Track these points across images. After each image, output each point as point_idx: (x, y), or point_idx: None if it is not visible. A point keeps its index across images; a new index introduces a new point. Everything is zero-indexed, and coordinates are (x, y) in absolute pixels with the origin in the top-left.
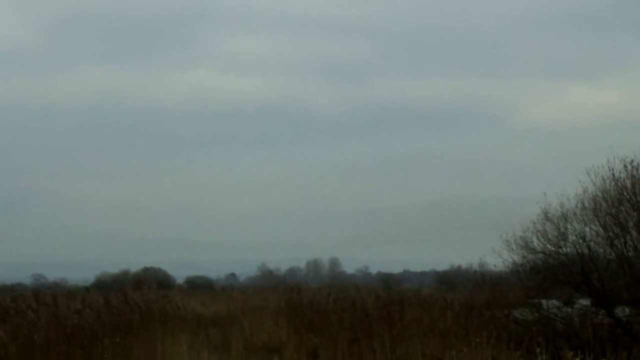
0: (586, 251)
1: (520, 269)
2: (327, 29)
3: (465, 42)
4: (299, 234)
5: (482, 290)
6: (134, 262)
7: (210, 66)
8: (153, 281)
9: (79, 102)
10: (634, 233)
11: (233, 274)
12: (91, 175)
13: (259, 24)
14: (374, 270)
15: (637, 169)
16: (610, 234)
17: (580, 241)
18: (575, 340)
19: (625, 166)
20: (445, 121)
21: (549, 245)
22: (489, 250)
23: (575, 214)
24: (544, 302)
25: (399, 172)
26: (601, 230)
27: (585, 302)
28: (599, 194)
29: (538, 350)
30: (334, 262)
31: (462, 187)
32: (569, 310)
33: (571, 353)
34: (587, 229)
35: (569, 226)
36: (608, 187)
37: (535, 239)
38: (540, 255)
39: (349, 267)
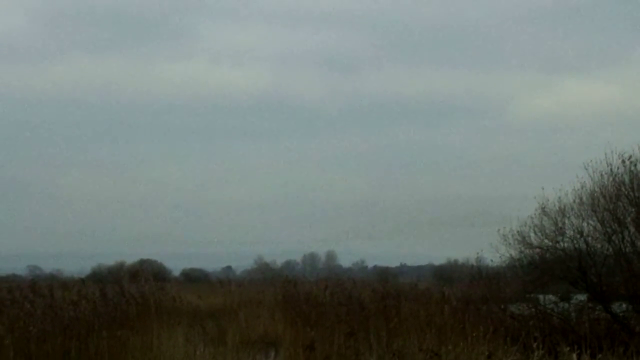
0: (584, 246)
1: (517, 264)
2: (323, 22)
3: (460, 36)
4: (296, 227)
5: (479, 284)
6: (130, 254)
7: (203, 58)
8: (149, 273)
9: (70, 92)
10: (632, 229)
11: (229, 267)
12: (85, 166)
13: (253, 15)
14: (370, 264)
15: (635, 165)
16: (608, 230)
17: (578, 236)
18: (572, 335)
19: (623, 161)
20: (441, 115)
21: (546, 240)
22: (486, 245)
23: (572, 209)
24: (540, 297)
25: (396, 166)
26: (599, 226)
27: (582, 297)
28: (597, 189)
29: (535, 345)
30: (331, 256)
31: (458, 181)
32: (566, 305)
33: (568, 348)
34: (585, 224)
35: (566, 221)
36: (606, 182)
37: (532, 234)
38: (538, 250)
39: (346, 260)
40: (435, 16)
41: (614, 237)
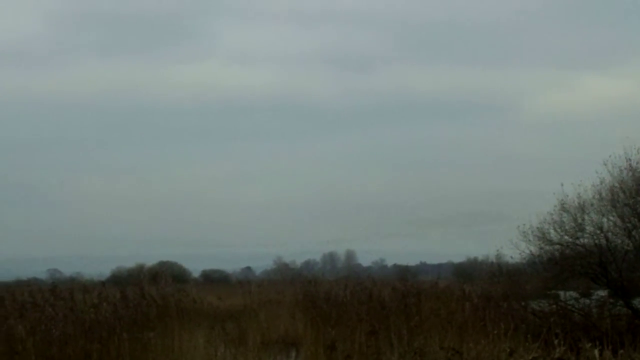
0: (604, 242)
1: (537, 260)
2: (334, 21)
3: (473, 33)
4: (315, 226)
5: (499, 282)
6: (149, 255)
7: (214, 59)
8: (169, 275)
9: (87, 96)
10: None
11: (249, 268)
12: (104, 170)
13: (264, 16)
14: (390, 262)
15: None
16: (628, 225)
17: (598, 232)
18: (593, 331)
19: None
20: (457, 113)
21: (566, 237)
22: (505, 241)
23: (592, 204)
24: (561, 293)
25: (413, 164)
26: (619, 221)
27: (603, 293)
28: (616, 184)
29: (556, 341)
30: (350, 255)
31: (476, 178)
32: (587, 301)
33: (589, 344)
34: (605, 220)
35: (586, 217)
36: (625, 177)
37: (552, 230)
38: (558, 246)
39: (365, 259)
40: (448, 13)
41: (634, 232)
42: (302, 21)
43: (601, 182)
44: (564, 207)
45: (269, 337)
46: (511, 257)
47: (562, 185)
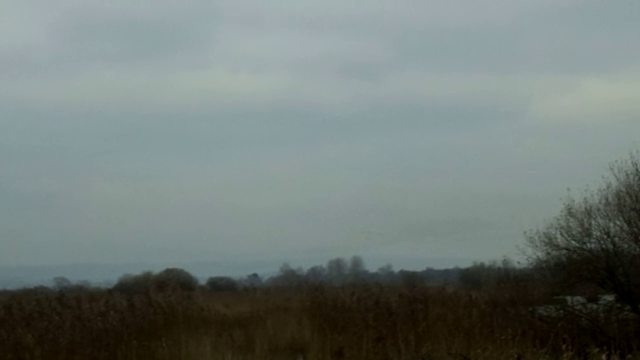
0: (611, 247)
1: (544, 266)
2: (341, 27)
3: (479, 38)
4: (321, 233)
5: (506, 287)
6: (156, 263)
7: (221, 66)
8: (176, 283)
9: (93, 104)
10: None
11: (255, 275)
12: (110, 178)
13: (271, 22)
14: (396, 268)
15: None
16: (635, 229)
17: (605, 237)
18: (600, 336)
19: None
20: (463, 118)
21: (573, 242)
22: (512, 247)
23: (599, 209)
24: (568, 298)
25: (418, 170)
26: (626, 226)
27: (610, 298)
28: (623, 189)
29: (563, 347)
30: (357, 261)
31: (481, 184)
32: (594, 306)
33: (597, 349)
34: (612, 225)
35: (593, 222)
36: (632, 182)
37: (559, 235)
38: (564, 251)
39: (372, 266)
40: (454, 19)
41: None
42: (309, 28)
43: (608, 187)
44: (570, 212)
45: (276, 344)
46: (518, 262)
47: (568, 190)
